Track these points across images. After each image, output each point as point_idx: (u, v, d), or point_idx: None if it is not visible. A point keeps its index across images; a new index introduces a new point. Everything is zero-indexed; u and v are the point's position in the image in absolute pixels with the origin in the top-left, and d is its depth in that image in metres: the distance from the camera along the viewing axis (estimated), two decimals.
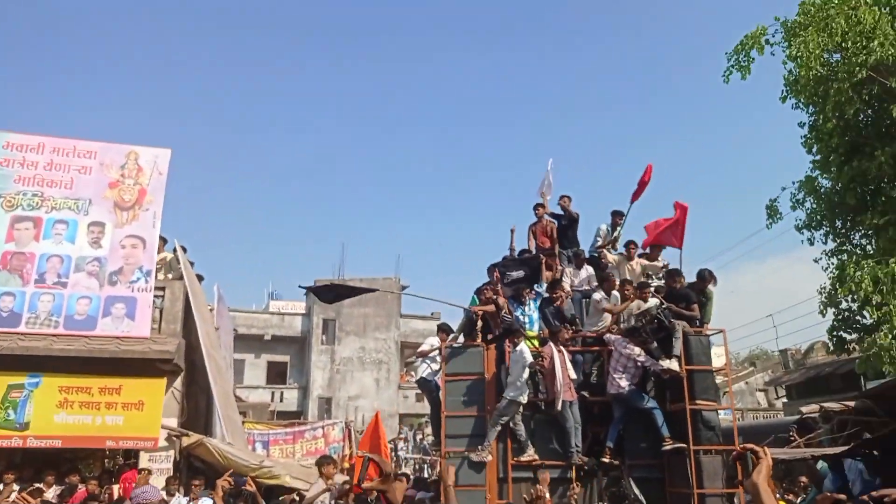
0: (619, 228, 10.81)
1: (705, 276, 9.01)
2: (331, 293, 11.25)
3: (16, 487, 9.35)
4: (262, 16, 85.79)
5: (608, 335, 8.64)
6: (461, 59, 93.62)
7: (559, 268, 10.33)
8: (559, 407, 8.17)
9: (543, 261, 10.05)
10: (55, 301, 11.24)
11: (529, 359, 8.31)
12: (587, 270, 10.29)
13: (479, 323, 9.13)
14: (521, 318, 9.25)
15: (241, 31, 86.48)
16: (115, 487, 9.67)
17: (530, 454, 8.36)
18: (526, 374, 8.28)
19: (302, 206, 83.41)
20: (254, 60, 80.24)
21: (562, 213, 10.87)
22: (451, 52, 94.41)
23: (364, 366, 34.15)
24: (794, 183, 14.98)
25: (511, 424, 8.44)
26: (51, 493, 9.48)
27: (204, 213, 75.37)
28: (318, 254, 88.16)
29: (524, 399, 8.30)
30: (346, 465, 13.04)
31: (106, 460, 11.42)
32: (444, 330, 10.03)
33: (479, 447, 8.31)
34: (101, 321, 11.34)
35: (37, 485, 9.34)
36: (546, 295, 9.51)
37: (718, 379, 10.29)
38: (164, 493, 8.63)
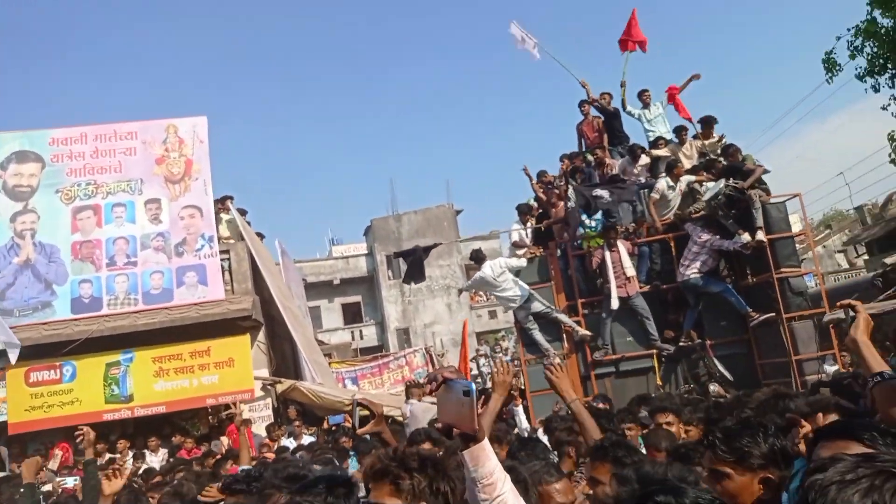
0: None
1: (728, 151, 8.86)
2: (414, 267, 11.09)
3: (130, 454, 10.10)
4: None
5: (688, 224, 8.40)
6: None
7: (612, 162, 10.03)
8: (614, 305, 8.15)
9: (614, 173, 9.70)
10: (130, 280, 11.77)
11: (493, 271, 8.44)
12: (643, 161, 9.91)
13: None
14: (588, 221, 9.17)
15: None
16: (224, 439, 10.29)
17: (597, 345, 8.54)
18: (504, 282, 8.41)
19: (346, 150, 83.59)
20: (282, 8, 79.03)
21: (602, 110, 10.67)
22: None
23: (434, 293, 34.70)
24: (849, 30, 13.79)
25: (562, 325, 8.58)
26: (160, 454, 10.22)
27: (253, 173, 76.60)
28: (369, 193, 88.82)
29: (518, 303, 8.46)
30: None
31: (210, 417, 12.12)
32: (523, 211, 10.09)
33: (542, 354, 8.51)
34: (176, 291, 11.84)
35: (145, 451, 10.09)
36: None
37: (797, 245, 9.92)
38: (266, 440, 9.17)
